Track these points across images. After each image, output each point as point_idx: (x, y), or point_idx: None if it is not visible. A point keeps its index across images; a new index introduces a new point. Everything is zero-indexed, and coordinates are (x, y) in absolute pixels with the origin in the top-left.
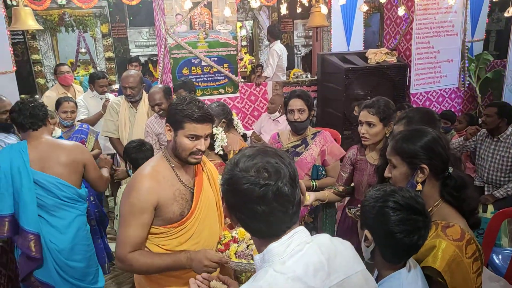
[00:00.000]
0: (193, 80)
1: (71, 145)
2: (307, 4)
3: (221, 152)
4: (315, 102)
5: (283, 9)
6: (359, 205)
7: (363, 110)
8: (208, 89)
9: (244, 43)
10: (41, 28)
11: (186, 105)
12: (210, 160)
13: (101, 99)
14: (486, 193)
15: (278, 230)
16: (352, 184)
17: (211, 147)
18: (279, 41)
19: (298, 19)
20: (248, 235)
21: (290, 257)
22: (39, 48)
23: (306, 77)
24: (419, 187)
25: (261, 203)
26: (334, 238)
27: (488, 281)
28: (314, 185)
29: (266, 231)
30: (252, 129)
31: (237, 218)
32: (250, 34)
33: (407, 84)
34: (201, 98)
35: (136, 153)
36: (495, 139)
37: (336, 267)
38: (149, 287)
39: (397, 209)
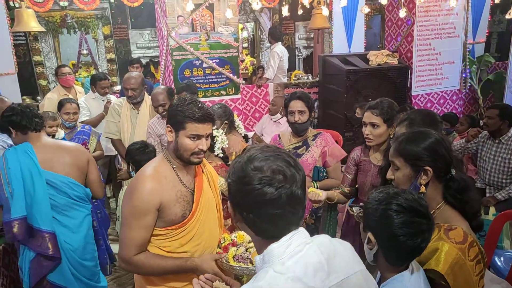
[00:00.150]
0: (195, 81)
1: (74, 145)
2: (308, 6)
3: (221, 155)
4: (316, 103)
5: (285, 11)
6: (361, 203)
7: (367, 111)
8: (210, 90)
9: (245, 44)
10: (43, 29)
11: (186, 105)
12: (210, 162)
13: (103, 100)
14: (487, 195)
15: (285, 231)
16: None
17: (211, 149)
18: (280, 43)
19: (299, 21)
20: (247, 238)
21: (290, 257)
22: (41, 49)
23: (307, 78)
24: (423, 189)
25: (273, 205)
26: (333, 239)
27: (490, 283)
28: (316, 186)
29: (273, 232)
30: (253, 130)
31: (243, 217)
32: (251, 36)
33: (409, 86)
34: (203, 99)
35: (140, 155)
36: (497, 141)
37: (336, 267)
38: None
39: (400, 212)
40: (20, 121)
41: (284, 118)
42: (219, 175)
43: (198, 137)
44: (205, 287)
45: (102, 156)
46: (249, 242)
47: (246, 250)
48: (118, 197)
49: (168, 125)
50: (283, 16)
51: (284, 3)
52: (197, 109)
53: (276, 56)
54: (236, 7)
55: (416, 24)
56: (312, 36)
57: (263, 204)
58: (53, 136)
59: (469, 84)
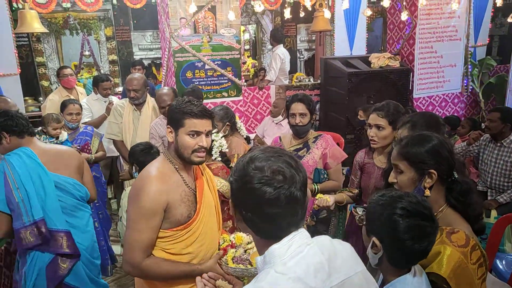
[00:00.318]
0: (197, 83)
1: (68, 148)
2: (310, 9)
3: (219, 159)
4: (317, 106)
5: (287, 13)
6: (365, 205)
7: (373, 113)
8: (211, 92)
9: (247, 46)
10: (46, 31)
11: (184, 104)
12: (211, 163)
13: (105, 101)
14: (489, 198)
15: (284, 232)
16: None
17: (209, 152)
18: (282, 45)
19: (301, 23)
20: (245, 239)
21: (291, 258)
22: (43, 50)
23: (309, 81)
24: (427, 192)
25: (272, 205)
26: (333, 240)
27: (491, 286)
28: (316, 188)
29: (272, 232)
30: (255, 132)
31: (243, 217)
32: (253, 38)
33: (410, 88)
34: (205, 101)
35: (144, 156)
36: (499, 144)
37: (337, 267)
38: None
39: (406, 216)
40: (16, 125)
41: (286, 120)
42: (220, 177)
43: (197, 133)
44: (208, 285)
45: (104, 157)
46: (248, 243)
47: (245, 251)
48: (121, 198)
49: (168, 126)
50: (285, 19)
51: (286, 5)
52: (195, 106)
53: (278, 58)
54: (238, 9)
55: (418, 27)
56: (313, 38)
57: (262, 203)
58: (57, 138)
59: (471, 87)
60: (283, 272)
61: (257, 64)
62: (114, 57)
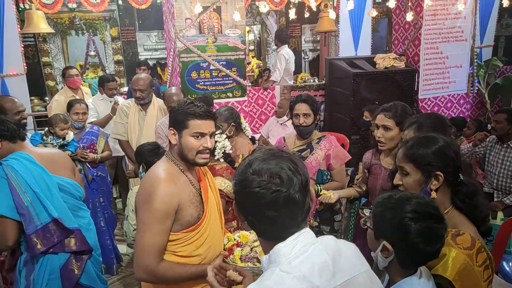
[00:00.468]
0: (201, 83)
1: (58, 151)
2: (315, 9)
3: (222, 159)
4: (322, 106)
5: (292, 14)
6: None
7: (380, 114)
8: (216, 92)
9: (251, 47)
10: (53, 31)
11: (187, 105)
12: (216, 164)
13: (110, 102)
14: (495, 199)
15: (285, 234)
16: None
17: (212, 152)
18: (286, 45)
19: (306, 24)
20: (251, 238)
21: (296, 257)
22: (49, 50)
23: (314, 81)
24: (433, 194)
25: (270, 208)
26: (338, 240)
27: None
28: (319, 189)
29: (273, 234)
30: (260, 132)
31: (245, 218)
32: (258, 38)
33: (416, 89)
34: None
35: (153, 156)
36: (505, 146)
37: (341, 267)
38: None
39: (417, 219)
40: (8, 130)
41: (291, 121)
42: (225, 177)
43: (201, 134)
44: (219, 274)
45: (110, 156)
46: (254, 241)
47: (251, 249)
48: (127, 197)
49: (171, 128)
50: (290, 19)
51: (291, 6)
52: (198, 107)
53: (282, 59)
54: (243, 9)
55: (423, 28)
56: (318, 39)
57: (261, 206)
58: (64, 138)
59: (477, 88)
60: (288, 271)
61: (261, 64)
62: (119, 57)
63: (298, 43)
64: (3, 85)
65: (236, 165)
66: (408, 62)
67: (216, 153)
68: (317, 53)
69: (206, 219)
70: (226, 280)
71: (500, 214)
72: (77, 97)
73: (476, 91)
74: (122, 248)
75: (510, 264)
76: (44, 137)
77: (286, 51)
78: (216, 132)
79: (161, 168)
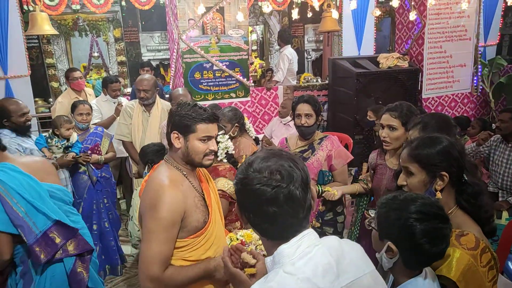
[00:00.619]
0: (205, 84)
1: (39, 157)
2: (318, 9)
3: (225, 160)
4: (325, 106)
5: (294, 14)
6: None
7: (385, 114)
8: (219, 93)
9: (254, 47)
10: (56, 33)
11: (191, 108)
12: (219, 165)
13: (114, 103)
14: (500, 199)
15: (287, 233)
16: None
17: (216, 153)
18: (289, 45)
19: (308, 24)
20: (255, 236)
21: (300, 258)
22: (53, 52)
23: (317, 81)
24: (438, 195)
25: (271, 204)
26: (342, 240)
27: None
28: (320, 190)
29: (275, 233)
30: (263, 133)
31: (247, 218)
32: (261, 39)
33: (419, 88)
34: (213, 102)
35: (159, 157)
36: (510, 145)
37: (345, 268)
38: None
39: (422, 220)
40: None
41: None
42: (228, 178)
43: (208, 138)
44: (235, 255)
45: (114, 158)
46: (258, 239)
47: (256, 247)
48: (132, 198)
49: (175, 131)
50: (293, 19)
51: (293, 6)
52: (203, 110)
53: (285, 59)
54: (246, 10)
55: (427, 27)
56: (321, 38)
57: (262, 203)
58: (68, 140)
59: (481, 87)
60: (292, 273)
61: (264, 64)
62: (122, 58)
63: (301, 43)
64: (8, 86)
65: (239, 165)
66: (411, 61)
67: (219, 153)
68: (320, 53)
69: (212, 222)
70: (240, 262)
71: (505, 214)
72: (81, 99)
73: (480, 90)
74: (127, 249)
75: None
76: (49, 140)
77: (289, 51)
78: (219, 133)
79: (164, 174)
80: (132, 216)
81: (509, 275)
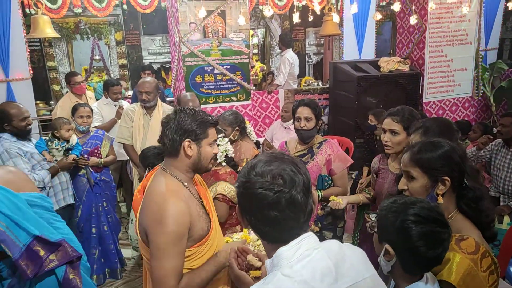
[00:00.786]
0: (206, 87)
1: (10, 168)
2: (319, 13)
3: (224, 164)
4: (326, 110)
5: (295, 18)
6: (377, 211)
7: (387, 118)
8: (220, 96)
9: (255, 50)
10: (58, 36)
11: (197, 113)
12: (220, 168)
13: (115, 106)
14: (501, 203)
15: (288, 237)
16: None
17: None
18: (290, 49)
19: (309, 27)
20: (253, 237)
21: (298, 261)
22: (54, 55)
23: (318, 85)
24: (440, 199)
25: (273, 209)
26: (343, 245)
27: None
28: (320, 195)
29: (276, 237)
30: (264, 136)
31: (248, 221)
32: (262, 42)
33: (420, 92)
34: (213, 105)
35: (159, 160)
36: (511, 149)
37: (344, 272)
38: None
39: (419, 222)
40: None
41: None
42: (228, 182)
43: (214, 141)
44: (241, 257)
45: (114, 161)
46: (256, 240)
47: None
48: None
49: (187, 139)
50: (294, 23)
51: (295, 9)
52: (208, 115)
53: (286, 62)
54: (248, 14)
55: (427, 31)
56: (322, 42)
57: (263, 207)
58: (68, 142)
59: (482, 91)
60: (290, 275)
61: (265, 68)
62: (124, 61)
63: (302, 46)
64: (9, 89)
65: (240, 169)
66: (412, 65)
67: (218, 156)
68: (321, 56)
69: (213, 229)
70: (245, 264)
71: (506, 219)
72: (81, 102)
73: (481, 95)
74: (127, 252)
75: None
76: (49, 143)
77: (290, 55)
78: (219, 136)
79: (162, 185)
80: (132, 219)
81: (511, 280)
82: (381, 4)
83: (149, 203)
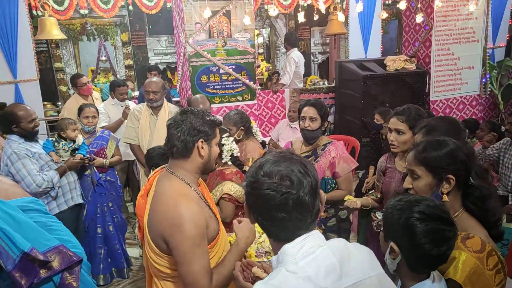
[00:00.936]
0: (211, 87)
1: None
2: (324, 12)
3: (229, 163)
4: (332, 109)
5: (301, 17)
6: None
7: (393, 117)
8: (226, 96)
9: (260, 50)
10: (65, 37)
11: (205, 114)
12: (225, 168)
13: (122, 106)
14: (510, 202)
15: (294, 236)
16: None
17: (219, 156)
18: (296, 48)
19: (315, 26)
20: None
21: (303, 258)
22: (61, 56)
23: (323, 84)
24: (445, 198)
25: (280, 210)
26: (349, 243)
27: None
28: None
29: (282, 236)
30: (269, 136)
31: (256, 219)
32: (267, 42)
33: (427, 91)
34: (219, 105)
35: (164, 160)
36: None
37: (349, 270)
38: None
39: (424, 220)
40: None
41: None
42: (234, 182)
43: (219, 141)
44: (247, 271)
45: (119, 161)
46: (259, 237)
47: (256, 246)
48: None
49: (201, 139)
50: (299, 22)
51: (300, 9)
52: (212, 115)
53: (292, 62)
54: (253, 13)
55: (434, 29)
56: (327, 41)
57: (270, 208)
58: (74, 142)
59: (489, 89)
60: (294, 271)
61: (271, 67)
62: (130, 62)
63: (308, 45)
64: (17, 90)
65: (245, 168)
66: (419, 63)
67: (223, 155)
68: (326, 55)
69: (221, 227)
70: (251, 276)
71: None
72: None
73: (488, 93)
74: (135, 252)
75: None
76: (56, 144)
77: (296, 54)
78: (224, 136)
79: (172, 188)
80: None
81: None
82: (386, 2)
83: (160, 208)
